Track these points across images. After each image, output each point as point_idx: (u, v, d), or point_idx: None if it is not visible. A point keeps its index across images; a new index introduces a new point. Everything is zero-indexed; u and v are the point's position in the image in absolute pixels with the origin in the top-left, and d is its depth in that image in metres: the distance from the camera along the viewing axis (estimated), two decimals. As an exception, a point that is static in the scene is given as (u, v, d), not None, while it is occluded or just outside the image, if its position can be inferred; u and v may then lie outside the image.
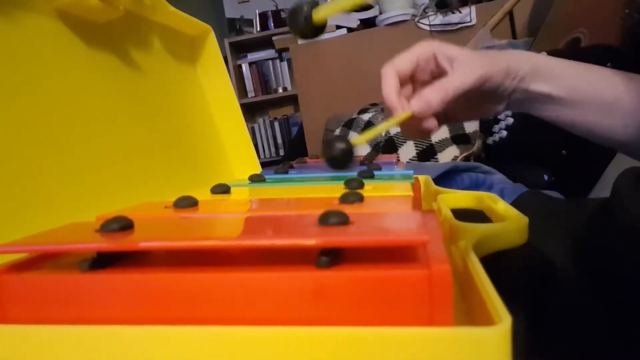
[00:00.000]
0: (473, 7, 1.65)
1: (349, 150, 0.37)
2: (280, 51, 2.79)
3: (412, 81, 0.47)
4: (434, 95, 0.41)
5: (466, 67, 0.42)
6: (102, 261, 0.21)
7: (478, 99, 0.46)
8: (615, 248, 0.27)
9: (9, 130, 0.31)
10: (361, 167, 0.48)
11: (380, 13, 1.80)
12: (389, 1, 1.75)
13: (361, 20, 1.88)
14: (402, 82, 0.45)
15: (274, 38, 2.68)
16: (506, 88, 0.45)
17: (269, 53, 2.82)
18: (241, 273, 0.19)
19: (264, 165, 0.65)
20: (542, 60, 0.46)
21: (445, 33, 1.66)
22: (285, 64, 2.82)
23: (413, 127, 0.44)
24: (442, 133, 1.11)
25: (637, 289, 0.23)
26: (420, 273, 0.17)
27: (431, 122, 0.43)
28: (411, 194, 0.33)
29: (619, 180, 0.32)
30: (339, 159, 0.37)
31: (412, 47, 0.45)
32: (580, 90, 0.45)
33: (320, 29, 0.39)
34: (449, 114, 0.48)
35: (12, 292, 0.20)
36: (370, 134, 0.42)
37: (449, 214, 0.30)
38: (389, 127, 0.43)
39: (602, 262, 0.28)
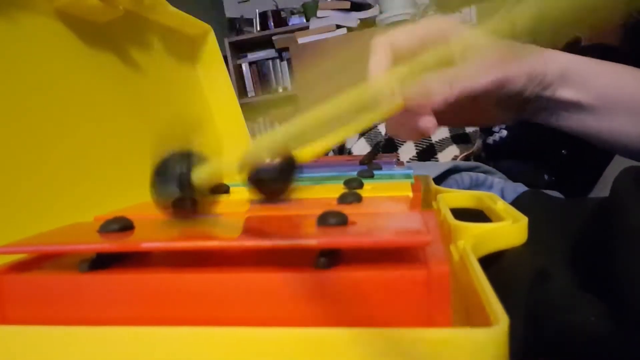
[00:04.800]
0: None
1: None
2: (280, 51, 2.79)
3: None
4: (437, 88, 0.33)
5: (481, 64, 0.34)
6: (102, 261, 0.21)
7: (487, 103, 0.38)
8: (615, 248, 0.27)
9: (8, 130, 0.31)
10: (361, 167, 0.48)
11: (380, 13, 1.80)
12: (388, 1, 1.75)
13: (361, 19, 1.88)
14: (398, 62, 0.36)
15: (274, 38, 2.68)
16: (527, 95, 0.37)
17: (269, 53, 2.82)
18: (240, 274, 0.19)
19: (264, 165, 0.65)
20: (572, 62, 0.38)
21: (445, 33, 1.66)
22: (285, 63, 2.82)
23: (404, 124, 0.36)
24: (442, 133, 1.10)
25: (638, 289, 0.23)
26: (419, 273, 0.17)
27: (429, 120, 0.34)
28: (410, 194, 0.33)
29: (618, 179, 0.32)
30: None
31: (420, 20, 0.36)
32: (612, 96, 0.38)
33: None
34: (446, 114, 0.38)
35: (12, 293, 0.20)
36: (325, 143, 0.34)
37: (449, 214, 0.30)
38: (370, 122, 0.33)
39: (602, 262, 0.28)
